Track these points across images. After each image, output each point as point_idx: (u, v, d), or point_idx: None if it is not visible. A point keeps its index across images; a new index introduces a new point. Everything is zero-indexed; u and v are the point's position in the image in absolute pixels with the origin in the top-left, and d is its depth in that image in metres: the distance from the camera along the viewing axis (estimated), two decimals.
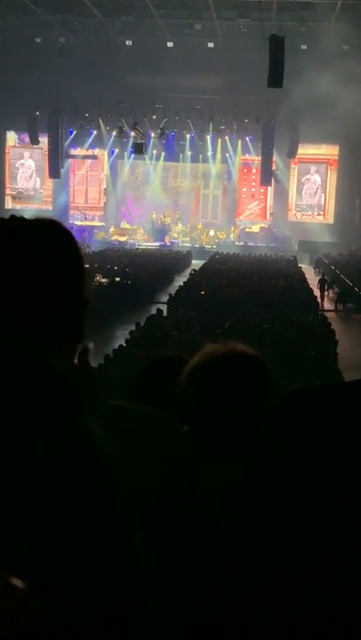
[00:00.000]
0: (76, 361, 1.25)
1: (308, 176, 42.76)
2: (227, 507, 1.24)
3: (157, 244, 40.07)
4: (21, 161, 44.23)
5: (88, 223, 41.50)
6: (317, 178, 42.61)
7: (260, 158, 40.03)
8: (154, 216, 42.31)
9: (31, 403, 0.83)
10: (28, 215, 1.23)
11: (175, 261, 32.82)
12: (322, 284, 24.92)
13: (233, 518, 1.22)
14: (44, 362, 0.86)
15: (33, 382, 0.84)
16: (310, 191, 42.82)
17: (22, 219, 1.17)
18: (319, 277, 26.38)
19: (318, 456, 1.11)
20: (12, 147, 44.18)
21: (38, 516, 0.80)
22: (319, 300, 23.10)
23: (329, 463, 1.10)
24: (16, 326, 1.05)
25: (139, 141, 38.10)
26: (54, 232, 1.17)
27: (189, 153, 42.19)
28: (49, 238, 1.15)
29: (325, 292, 24.88)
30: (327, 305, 23.86)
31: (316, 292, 23.93)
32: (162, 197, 43.32)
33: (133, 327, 15.44)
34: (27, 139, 42.04)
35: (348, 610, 1.09)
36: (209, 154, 42.00)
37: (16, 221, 1.16)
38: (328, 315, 20.62)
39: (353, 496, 1.09)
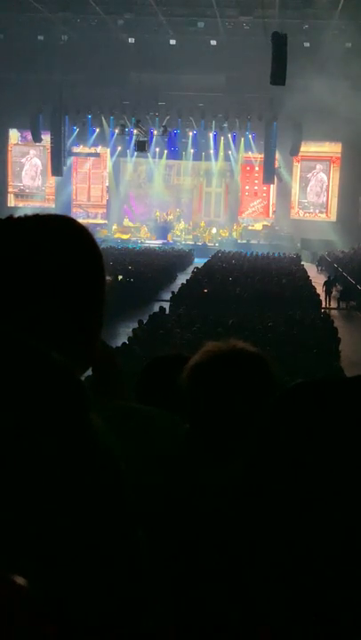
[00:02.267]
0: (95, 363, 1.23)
1: (313, 172, 42.63)
2: (228, 505, 1.24)
3: (160, 241, 40.06)
4: (24, 159, 44.20)
5: (91, 221, 41.45)
6: (323, 176, 42.54)
7: (262, 156, 39.99)
8: (157, 214, 42.31)
9: (32, 397, 0.83)
10: (31, 213, 1.22)
11: (178, 259, 32.81)
12: (327, 286, 24.54)
13: (235, 516, 1.22)
14: (45, 356, 0.86)
15: (34, 376, 0.84)
16: (316, 189, 42.73)
17: (34, 216, 1.16)
18: (325, 280, 25.66)
19: (322, 452, 1.11)
20: (15, 144, 44.17)
21: (40, 512, 0.81)
22: (324, 302, 22.87)
23: (333, 459, 1.10)
24: (23, 323, 1.05)
25: (141, 139, 38.06)
26: (70, 230, 1.16)
27: (192, 151, 42.14)
28: (66, 236, 1.14)
29: (330, 293, 24.43)
30: (330, 304, 23.77)
31: (320, 291, 23.82)
32: (164, 195, 43.29)
33: (136, 325, 15.45)
34: (29, 136, 42.03)
35: (353, 607, 1.10)
36: (211, 152, 41.95)
37: (28, 219, 1.15)
38: (331, 312, 20.61)
39: (357, 492, 1.09)
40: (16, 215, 1.16)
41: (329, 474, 1.06)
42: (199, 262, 31.84)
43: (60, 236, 1.13)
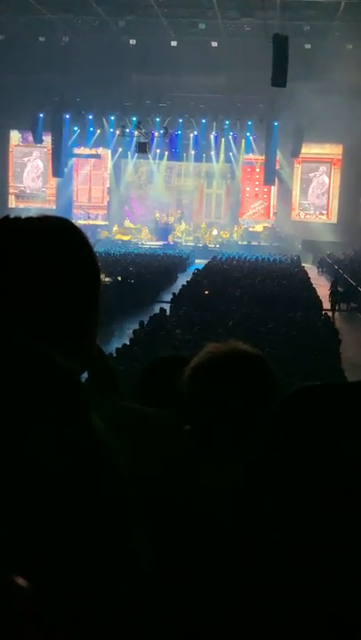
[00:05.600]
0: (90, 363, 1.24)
1: (315, 174, 42.60)
2: (228, 506, 1.24)
3: (161, 243, 40.06)
4: (25, 160, 44.20)
5: (91, 222, 41.45)
6: (324, 178, 42.54)
7: (263, 157, 39.99)
8: (157, 215, 42.29)
9: (35, 399, 0.83)
10: (31, 214, 1.22)
11: (179, 260, 32.81)
12: (334, 295, 23.81)
13: (234, 518, 1.22)
14: (48, 358, 0.87)
15: (37, 378, 0.84)
16: (317, 191, 42.72)
17: (30, 218, 1.16)
18: (332, 281, 24.97)
19: (322, 456, 1.11)
20: (16, 145, 44.18)
21: (41, 514, 0.81)
22: (330, 304, 22.50)
23: (333, 464, 1.10)
24: (22, 324, 1.05)
25: (142, 140, 38.05)
26: (66, 231, 1.16)
27: (193, 152, 42.09)
28: (59, 238, 1.14)
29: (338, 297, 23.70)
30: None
31: (320, 293, 23.74)
32: (165, 196, 43.29)
33: (137, 326, 15.45)
34: (30, 138, 42.02)
35: (349, 612, 1.10)
36: (212, 153, 41.94)
37: (24, 220, 1.15)
38: (331, 314, 20.61)
39: (356, 497, 1.09)
40: (12, 216, 1.16)
41: (329, 478, 1.07)
42: (200, 263, 31.82)
43: (54, 238, 1.13)
